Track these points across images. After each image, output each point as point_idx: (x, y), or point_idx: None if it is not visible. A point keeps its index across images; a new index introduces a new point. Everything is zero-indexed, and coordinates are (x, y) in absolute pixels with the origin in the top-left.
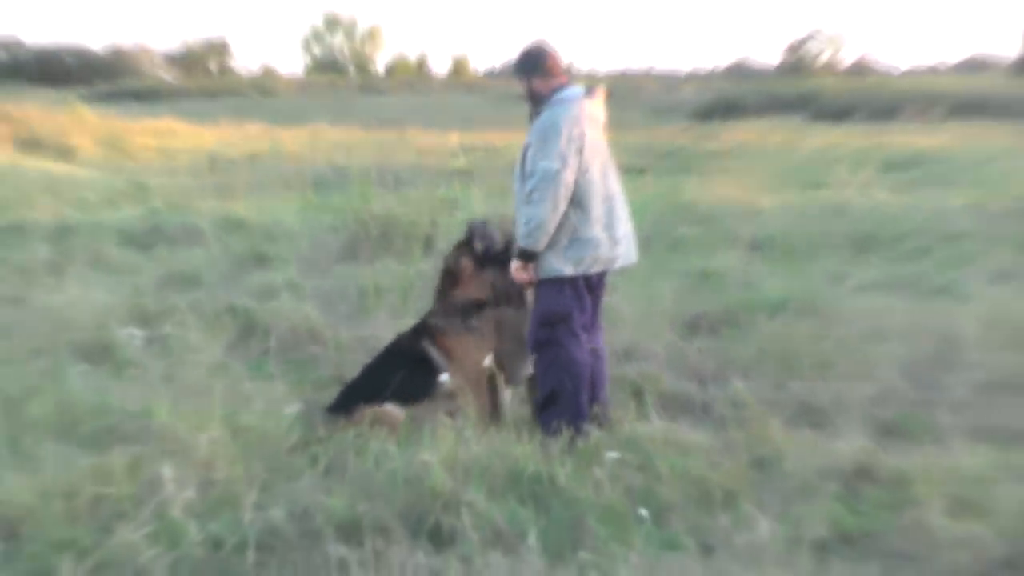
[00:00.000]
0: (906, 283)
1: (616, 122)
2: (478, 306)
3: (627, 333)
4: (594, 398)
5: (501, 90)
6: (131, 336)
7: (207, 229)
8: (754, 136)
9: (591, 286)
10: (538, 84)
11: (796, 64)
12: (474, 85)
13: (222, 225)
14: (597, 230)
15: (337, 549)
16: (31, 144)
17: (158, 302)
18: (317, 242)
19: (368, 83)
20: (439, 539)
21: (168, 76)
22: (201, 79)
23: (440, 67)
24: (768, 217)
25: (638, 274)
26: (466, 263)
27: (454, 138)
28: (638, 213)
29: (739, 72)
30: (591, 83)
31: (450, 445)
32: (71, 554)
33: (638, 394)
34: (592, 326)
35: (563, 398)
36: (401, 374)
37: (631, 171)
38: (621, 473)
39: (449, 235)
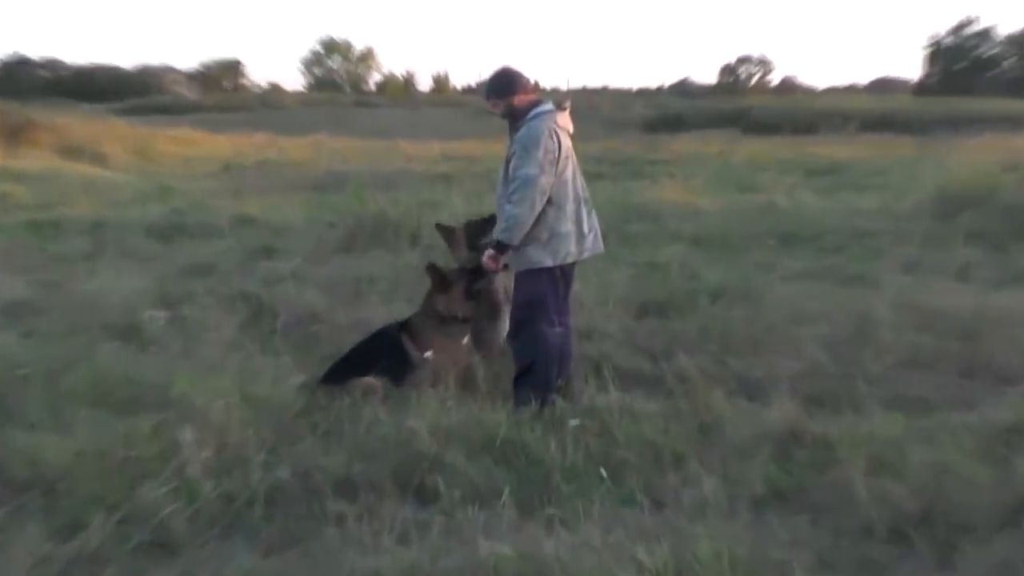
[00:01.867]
0: (826, 273)
1: (577, 133)
2: (460, 320)
3: (586, 316)
4: (562, 373)
5: (477, 105)
6: (155, 317)
7: (222, 225)
8: (695, 146)
9: (565, 275)
10: (517, 101)
11: (731, 83)
12: (453, 100)
13: (236, 222)
14: (570, 226)
15: (335, 504)
16: (70, 151)
17: (179, 288)
18: (318, 237)
19: (362, 99)
20: (425, 495)
21: (188, 92)
22: (217, 95)
23: (425, 84)
24: (707, 216)
25: (596, 265)
26: (459, 288)
27: (436, 148)
28: (597, 212)
29: (682, 90)
30: (559, 98)
31: (434, 413)
32: (102, 508)
33: (597, 369)
34: (563, 310)
35: (535, 373)
36: (382, 356)
37: (590, 176)
38: (583, 438)
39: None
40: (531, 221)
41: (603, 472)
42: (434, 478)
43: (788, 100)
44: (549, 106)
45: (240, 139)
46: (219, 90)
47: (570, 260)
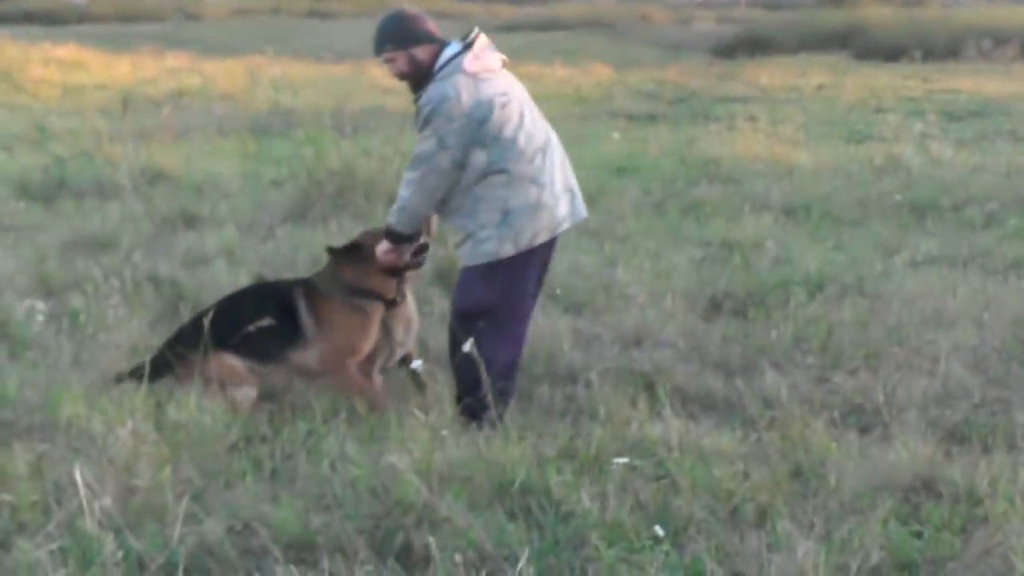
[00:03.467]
0: (972, 257)
1: (620, 60)
2: (375, 296)
3: (635, 316)
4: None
5: (478, 17)
6: (32, 310)
7: (123, 182)
8: (787, 77)
9: (533, 264)
10: (421, 52)
11: None
12: (445, 9)
13: (141, 178)
14: (532, 193)
15: (287, 571)
16: None
17: (64, 269)
18: (258, 200)
19: (318, 6)
20: (410, 561)
21: None
22: None
23: None
24: (804, 176)
25: (647, 245)
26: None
27: None
28: (647, 170)
29: (768, 1)
30: (463, 33)
31: (424, 447)
32: None
33: (650, 388)
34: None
35: (473, 401)
36: (260, 320)
37: (638, 119)
38: (631, 483)
39: None
40: (426, 207)
41: (658, 531)
42: (424, 537)
43: (918, 13)
44: (454, 48)
45: (146, 60)
46: None
47: (540, 240)
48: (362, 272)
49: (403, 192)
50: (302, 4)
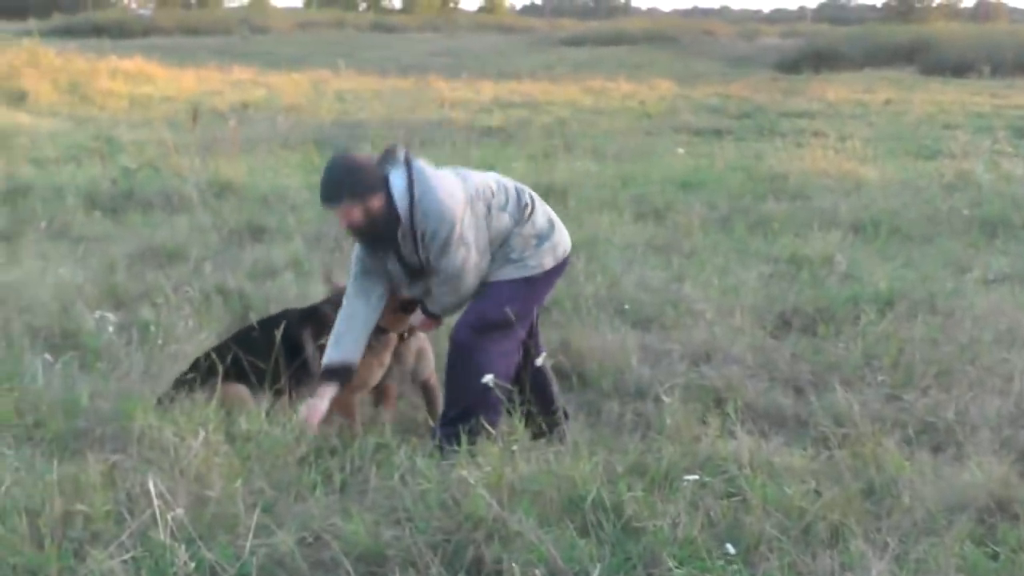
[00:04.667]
0: None
1: (684, 74)
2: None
3: (703, 332)
4: (546, 401)
5: (542, 31)
6: (102, 321)
7: (191, 194)
8: (853, 92)
9: (551, 282)
10: (376, 201)
11: (904, 6)
12: (509, 24)
13: (208, 190)
14: (548, 214)
15: None
16: None
17: (134, 281)
18: (324, 212)
19: (382, 20)
20: (480, 575)
21: (140, 7)
22: (181, 12)
23: (469, 1)
24: (872, 193)
25: (714, 260)
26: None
27: (487, 89)
28: (713, 185)
29: (834, 12)
30: (387, 151)
31: (494, 461)
32: None
33: (720, 405)
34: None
35: (471, 414)
36: (269, 353)
37: (703, 133)
38: (701, 500)
39: None
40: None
41: (730, 549)
42: (494, 551)
43: (986, 28)
44: (398, 172)
45: (212, 74)
46: (181, 5)
47: (565, 252)
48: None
49: (446, 300)
50: (366, 17)
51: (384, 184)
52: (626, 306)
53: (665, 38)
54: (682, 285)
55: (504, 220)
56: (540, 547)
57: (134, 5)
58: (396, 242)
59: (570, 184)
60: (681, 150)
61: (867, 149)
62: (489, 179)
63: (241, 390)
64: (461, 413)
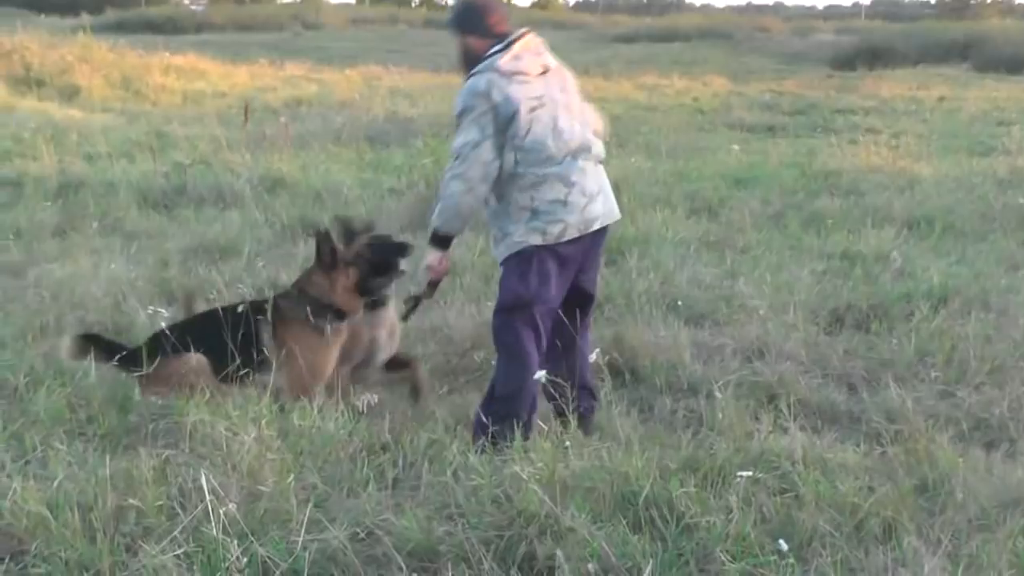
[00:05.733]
0: None
1: (737, 70)
2: (337, 313)
3: (756, 328)
4: (580, 398)
5: (595, 28)
6: (155, 316)
7: (243, 190)
8: (907, 89)
9: (563, 261)
10: (474, 43)
11: (959, 2)
12: (562, 20)
13: (261, 185)
14: (560, 190)
15: None
16: (28, 83)
17: (186, 276)
18: (376, 208)
19: (435, 16)
20: (533, 571)
21: (192, 3)
22: (231, 8)
23: None
24: (926, 190)
25: (768, 257)
26: (350, 272)
27: None
28: (767, 182)
29: (887, 11)
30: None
31: (546, 456)
32: None
33: (773, 401)
34: (584, 314)
35: (506, 397)
36: (216, 341)
37: (756, 130)
38: (754, 496)
39: None
40: (471, 203)
41: (782, 545)
42: (548, 547)
43: None
44: (496, 48)
45: (265, 70)
46: (237, 2)
47: (570, 236)
48: (330, 287)
49: (450, 188)
50: (419, 13)
51: (487, 35)
52: (679, 302)
53: (719, 34)
54: (735, 281)
55: (509, 159)
56: (593, 543)
57: (186, 1)
58: None
59: (623, 180)
60: (735, 146)
61: (921, 146)
62: (567, 131)
63: (199, 362)
64: (494, 403)
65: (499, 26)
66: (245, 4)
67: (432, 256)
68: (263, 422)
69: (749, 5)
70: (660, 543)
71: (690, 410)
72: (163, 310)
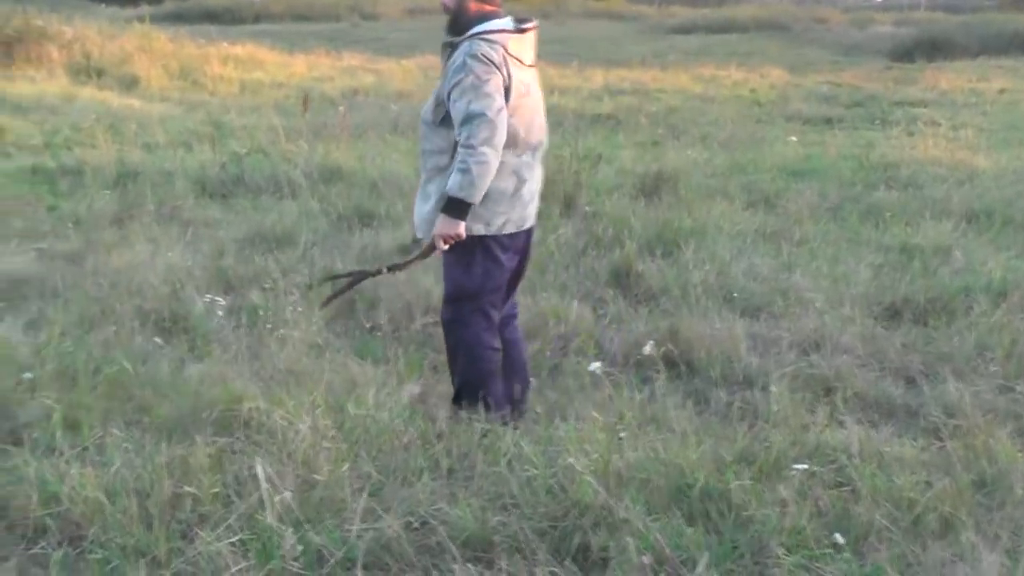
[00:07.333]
0: None
1: (795, 62)
2: None
3: (812, 321)
4: (517, 383)
5: (652, 19)
6: (212, 305)
7: (300, 180)
8: (968, 81)
9: (506, 248)
10: (472, 4)
11: None
12: (618, 11)
13: (318, 175)
14: (512, 184)
15: (464, 570)
16: (87, 72)
17: (243, 265)
18: None
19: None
20: (587, 562)
21: None
22: None
23: None
24: (987, 182)
25: (825, 252)
26: None
27: (597, 76)
28: (824, 174)
29: (947, 3)
30: (521, 15)
31: (601, 448)
32: (144, 563)
33: (829, 394)
34: (505, 299)
35: (469, 389)
36: None
37: (814, 122)
38: (810, 490)
39: (595, 196)
40: (493, 172)
41: (839, 538)
42: (602, 539)
43: None
44: (505, 22)
45: (322, 60)
46: None
47: (509, 230)
48: None
49: (480, 154)
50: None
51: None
52: (735, 294)
53: (776, 26)
54: (792, 274)
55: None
56: (647, 535)
57: None
58: (449, 47)
59: (680, 172)
60: (793, 138)
61: (980, 138)
62: (538, 126)
63: None
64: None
65: None
66: None
67: (448, 225)
68: (318, 411)
69: None
70: (715, 535)
71: (746, 402)
72: (220, 298)
